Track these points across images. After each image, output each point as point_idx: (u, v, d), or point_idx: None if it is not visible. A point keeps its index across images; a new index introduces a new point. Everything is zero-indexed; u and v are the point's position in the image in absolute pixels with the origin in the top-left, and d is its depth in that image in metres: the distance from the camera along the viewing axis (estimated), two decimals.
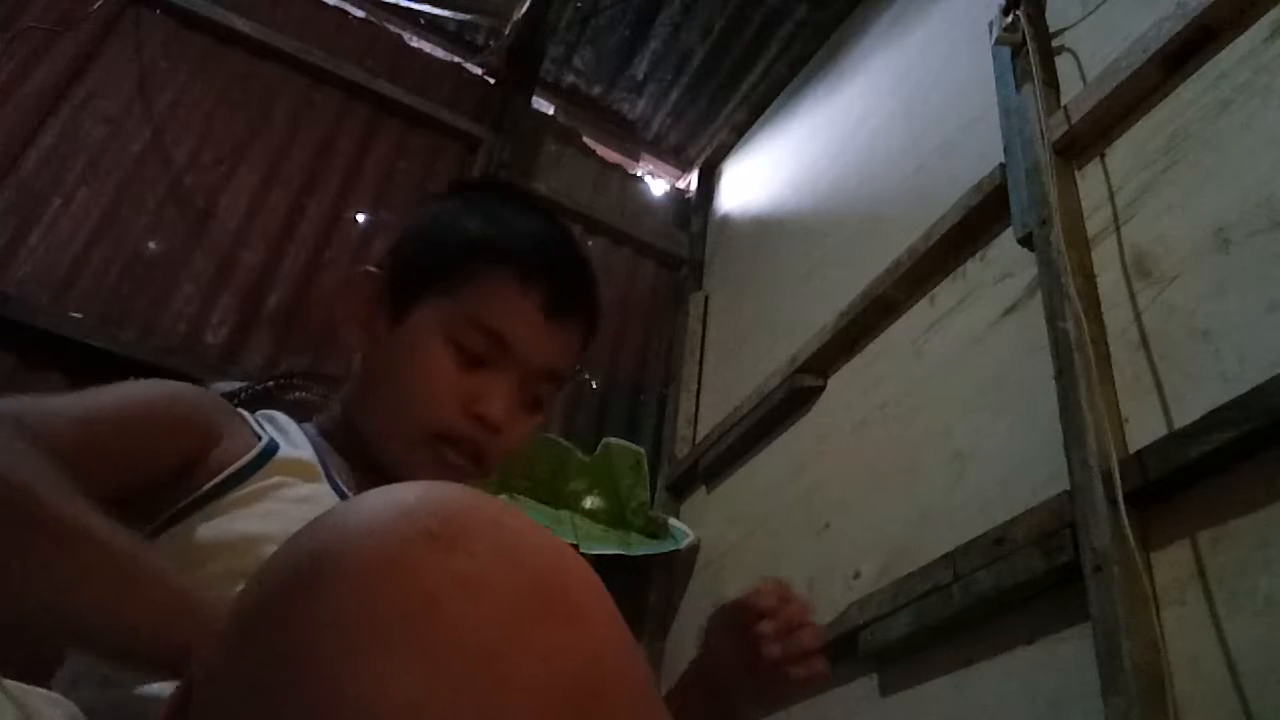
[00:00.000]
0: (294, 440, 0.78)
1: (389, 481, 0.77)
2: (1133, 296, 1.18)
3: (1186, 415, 1.02)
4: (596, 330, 0.89)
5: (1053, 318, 1.24)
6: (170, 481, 0.70)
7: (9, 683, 0.42)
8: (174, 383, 0.77)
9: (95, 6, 2.22)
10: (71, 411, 0.67)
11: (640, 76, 3.02)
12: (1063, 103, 1.39)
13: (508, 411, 0.78)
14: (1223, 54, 1.18)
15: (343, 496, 0.76)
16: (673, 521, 2.11)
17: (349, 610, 0.34)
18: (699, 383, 2.45)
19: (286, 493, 0.72)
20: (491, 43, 2.89)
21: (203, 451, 0.71)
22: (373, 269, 0.86)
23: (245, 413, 0.80)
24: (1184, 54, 1.22)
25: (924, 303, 1.62)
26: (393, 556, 0.35)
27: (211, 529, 0.67)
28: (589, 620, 0.37)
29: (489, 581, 0.35)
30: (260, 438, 0.75)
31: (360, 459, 0.81)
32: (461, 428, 0.77)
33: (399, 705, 0.32)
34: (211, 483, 0.69)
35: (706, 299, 2.65)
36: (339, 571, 0.35)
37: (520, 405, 0.81)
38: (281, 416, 0.82)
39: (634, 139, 3.21)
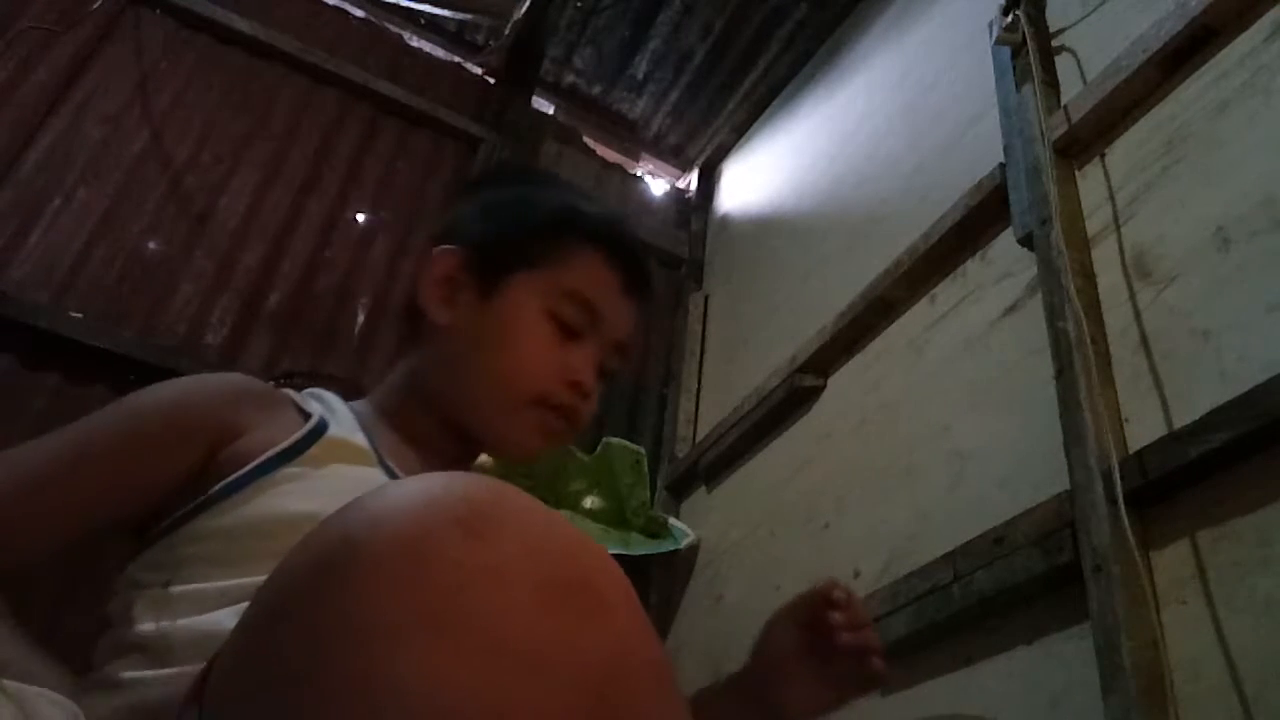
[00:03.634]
0: (341, 420, 0.78)
1: (467, 446, 0.84)
2: (1133, 296, 1.18)
3: (1186, 415, 1.02)
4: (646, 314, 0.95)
5: (1053, 318, 1.24)
6: (188, 483, 0.70)
7: (8, 682, 0.42)
8: (176, 388, 0.76)
9: (95, 6, 2.22)
10: (19, 464, 0.67)
11: (640, 76, 3.02)
12: (1063, 102, 1.39)
13: (595, 381, 0.84)
14: (1223, 54, 1.18)
15: (386, 469, 0.76)
16: (673, 521, 2.11)
17: (377, 595, 0.35)
18: (699, 383, 2.45)
19: (338, 470, 0.72)
20: (491, 43, 2.89)
21: (212, 450, 0.71)
22: (451, 247, 0.88)
23: (292, 393, 0.80)
24: (1184, 54, 1.22)
25: (924, 303, 1.62)
26: (422, 543, 0.36)
27: (260, 508, 0.67)
28: (612, 610, 0.38)
29: (516, 571, 0.36)
30: (309, 416, 0.75)
31: (424, 430, 0.82)
32: (561, 394, 0.82)
33: (425, 689, 0.33)
34: (254, 464, 0.69)
35: (706, 299, 2.65)
36: (368, 557, 0.36)
37: (599, 376, 0.86)
38: (329, 395, 0.83)
39: (634, 139, 3.21)
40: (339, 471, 0.72)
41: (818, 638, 0.81)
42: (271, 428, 0.73)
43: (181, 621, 0.61)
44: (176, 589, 0.63)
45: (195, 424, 0.72)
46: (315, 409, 0.77)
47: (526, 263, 0.84)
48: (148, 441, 0.70)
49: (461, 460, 0.86)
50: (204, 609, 0.61)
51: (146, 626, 0.62)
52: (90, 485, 0.68)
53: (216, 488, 0.68)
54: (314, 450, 0.72)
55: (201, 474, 0.70)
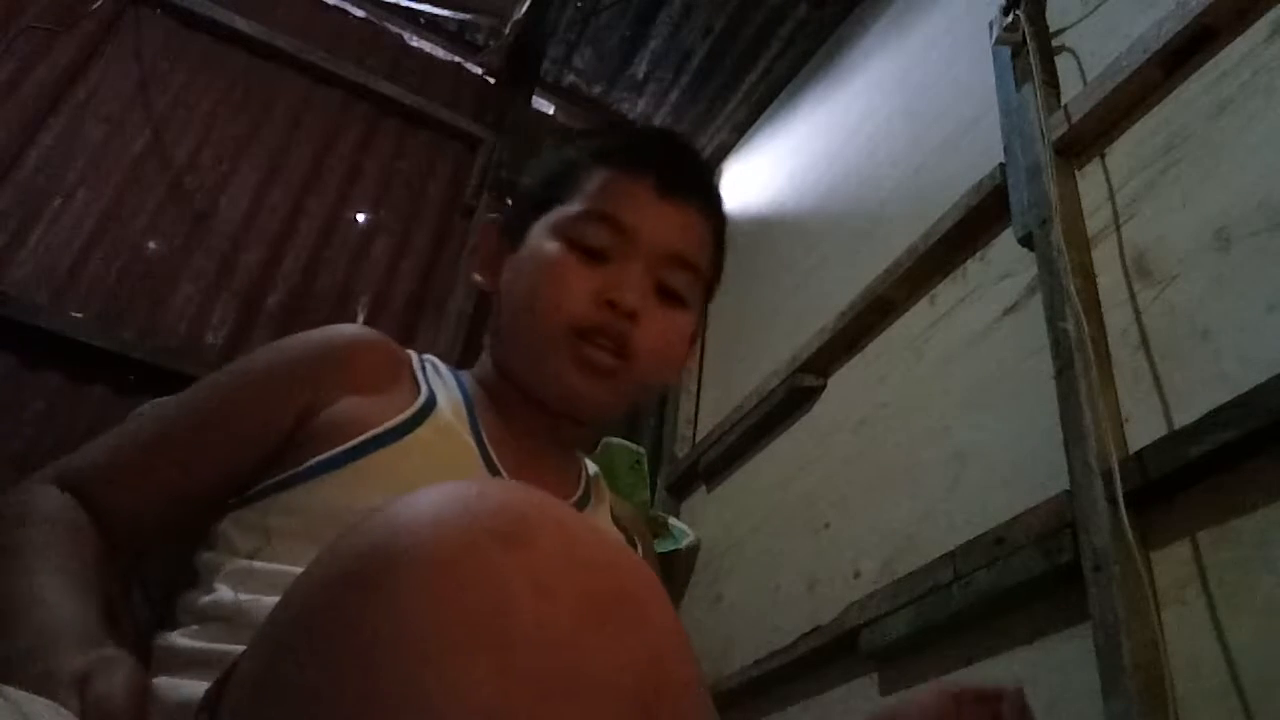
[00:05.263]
0: (451, 394, 0.76)
1: (553, 421, 0.79)
2: (1133, 296, 1.18)
3: (1187, 415, 1.02)
4: (722, 222, 0.87)
5: (1053, 318, 1.24)
6: (284, 448, 0.69)
7: (10, 689, 0.42)
8: (274, 349, 0.75)
9: (95, 6, 2.22)
10: (114, 440, 0.70)
11: (640, 76, 3.02)
12: (1063, 102, 1.39)
13: (640, 297, 0.75)
14: (1223, 54, 1.18)
15: (487, 461, 0.73)
16: (673, 521, 2.11)
17: (418, 608, 0.33)
18: (699, 383, 2.45)
19: (438, 456, 0.69)
20: (491, 43, 2.89)
21: (300, 418, 0.69)
22: (492, 217, 0.87)
23: (412, 354, 0.78)
24: (1184, 54, 1.22)
25: (924, 302, 1.62)
26: (462, 553, 0.35)
27: (351, 493, 0.64)
28: (652, 621, 0.37)
29: (558, 581, 0.35)
30: (419, 389, 0.73)
31: (512, 407, 0.79)
32: (595, 316, 0.74)
33: (474, 706, 0.32)
34: (356, 440, 0.67)
35: None
36: (406, 567, 0.35)
37: (655, 297, 0.77)
38: (441, 365, 0.81)
39: None
40: (438, 459, 0.69)
41: None
42: (379, 397, 0.70)
43: (265, 599, 0.60)
44: (259, 564, 0.63)
45: (275, 396, 0.70)
46: (429, 384, 0.74)
47: (543, 207, 0.79)
48: (236, 415, 0.70)
49: (558, 439, 0.82)
50: (280, 591, 0.61)
51: (226, 596, 0.62)
52: (185, 459, 0.69)
53: (313, 461, 0.66)
54: (420, 432, 0.69)
55: (295, 438, 0.69)
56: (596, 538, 0.39)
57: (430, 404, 0.72)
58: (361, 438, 0.67)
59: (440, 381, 0.77)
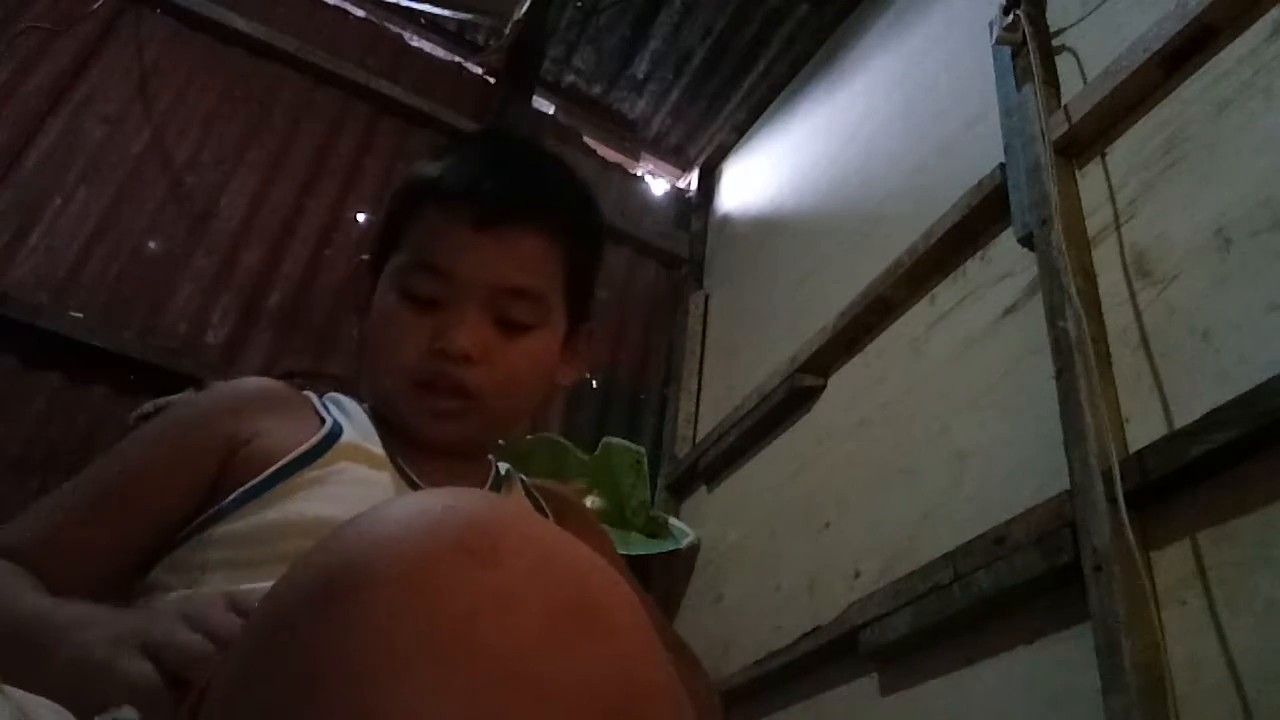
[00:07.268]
0: (358, 425, 0.79)
1: (433, 451, 0.79)
2: (1133, 296, 1.18)
3: (1187, 415, 1.02)
4: (569, 227, 0.82)
5: (1053, 317, 1.24)
6: (207, 492, 0.71)
7: (9, 688, 0.42)
8: (182, 408, 0.78)
9: (95, 6, 2.22)
10: (59, 506, 0.71)
11: (640, 76, 3.02)
12: (1063, 102, 1.39)
13: (471, 340, 0.76)
14: (1223, 54, 1.18)
15: (410, 482, 0.76)
16: (673, 521, 2.11)
17: (385, 623, 0.34)
18: (699, 382, 2.45)
19: (353, 474, 0.73)
20: (491, 42, 2.89)
21: (221, 461, 0.72)
22: (365, 256, 0.88)
23: (312, 396, 0.82)
24: (1184, 54, 1.22)
25: (924, 302, 1.62)
26: (426, 570, 0.35)
27: (280, 511, 0.68)
28: (623, 635, 0.37)
29: (525, 596, 0.35)
30: (324, 420, 0.76)
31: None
32: (430, 368, 0.76)
33: None
34: (272, 469, 0.70)
35: (706, 299, 2.65)
36: (372, 583, 0.35)
37: (496, 330, 0.78)
38: (347, 400, 0.83)
39: (634, 139, 3.20)
40: (354, 475, 0.73)
41: None
42: (288, 431, 0.74)
43: None
44: (201, 592, 0.64)
45: (198, 443, 0.74)
46: (332, 413, 0.78)
47: (393, 248, 0.81)
48: (163, 468, 0.72)
49: (466, 456, 0.84)
50: None
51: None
52: (119, 520, 0.70)
53: (235, 494, 0.69)
54: (329, 455, 0.73)
55: (218, 481, 0.72)
56: (569, 551, 0.38)
57: (336, 430, 0.76)
58: (279, 464, 0.71)
59: (343, 412, 0.80)
